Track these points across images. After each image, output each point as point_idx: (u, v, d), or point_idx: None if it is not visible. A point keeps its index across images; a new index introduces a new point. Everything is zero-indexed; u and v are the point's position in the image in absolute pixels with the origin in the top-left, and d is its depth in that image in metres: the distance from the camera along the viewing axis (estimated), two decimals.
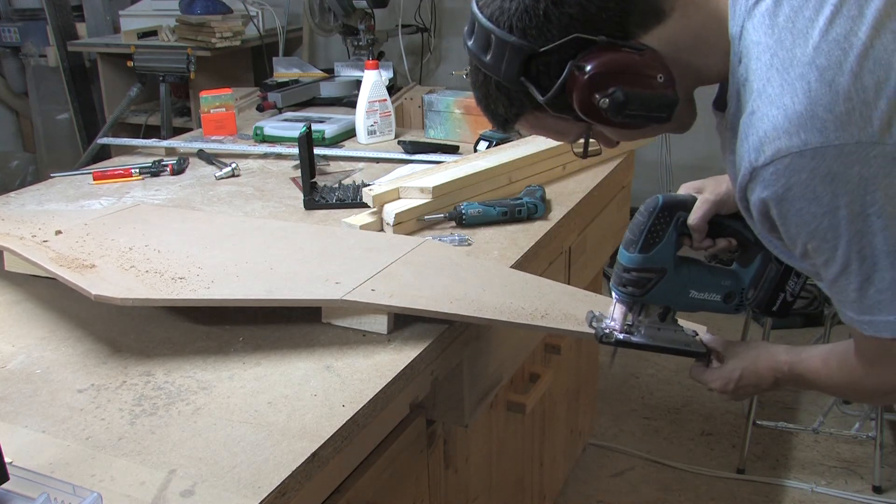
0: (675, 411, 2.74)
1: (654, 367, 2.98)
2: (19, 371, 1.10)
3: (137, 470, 0.88)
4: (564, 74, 0.88)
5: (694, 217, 1.06)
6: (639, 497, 2.35)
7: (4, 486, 0.78)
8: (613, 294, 1.11)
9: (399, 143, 2.09)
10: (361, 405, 1.00)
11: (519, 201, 1.57)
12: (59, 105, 4.18)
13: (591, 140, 1.00)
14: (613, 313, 1.13)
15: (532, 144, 1.78)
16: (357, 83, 2.33)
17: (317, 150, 1.79)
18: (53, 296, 1.33)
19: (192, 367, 1.10)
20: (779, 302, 1.11)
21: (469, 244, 1.47)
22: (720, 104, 0.96)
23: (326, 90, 2.62)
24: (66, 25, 3.90)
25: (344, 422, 0.96)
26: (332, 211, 1.65)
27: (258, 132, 2.17)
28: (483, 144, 1.94)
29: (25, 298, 1.33)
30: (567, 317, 1.19)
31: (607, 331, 1.13)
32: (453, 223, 1.55)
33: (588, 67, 0.87)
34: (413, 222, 1.52)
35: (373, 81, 2.14)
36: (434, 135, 2.17)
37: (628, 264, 1.06)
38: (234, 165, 1.93)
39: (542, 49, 0.88)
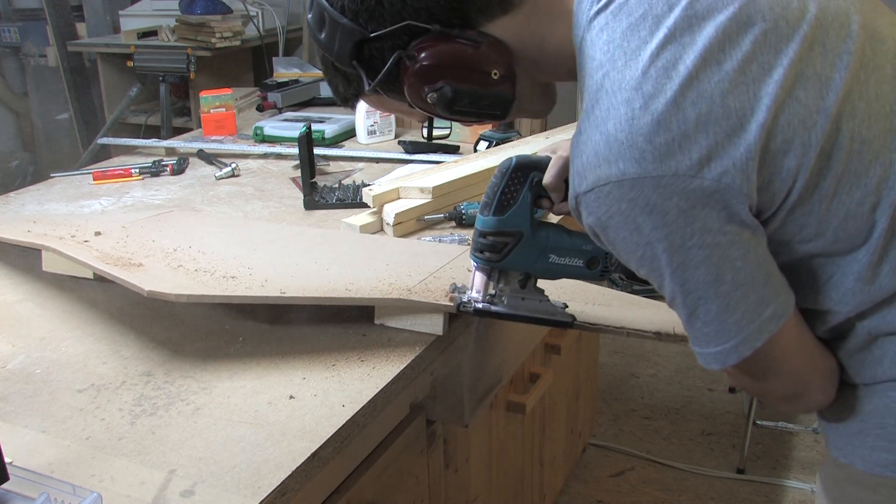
0: (675, 411, 2.74)
1: (654, 367, 2.98)
2: (19, 371, 1.10)
3: (137, 470, 0.88)
4: (390, 63, 0.85)
5: (549, 175, 1.01)
6: (639, 497, 2.35)
7: (4, 486, 0.78)
8: (472, 262, 1.08)
9: (399, 143, 2.09)
10: (361, 405, 1.00)
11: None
12: (59, 105, 4.17)
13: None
14: (473, 282, 1.10)
15: (532, 144, 1.78)
16: None
17: (317, 150, 1.79)
18: (54, 296, 1.33)
19: (192, 367, 1.10)
20: None
21: (469, 244, 1.47)
22: None
23: (326, 90, 2.61)
24: (66, 25, 3.90)
25: (344, 422, 0.96)
26: (332, 211, 1.65)
27: (258, 132, 2.17)
28: (483, 144, 1.94)
29: (25, 298, 1.33)
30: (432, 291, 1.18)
31: (466, 300, 1.11)
32: (453, 223, 1.55)
33: (417, 58, 0.84)
34: (413, 222, 1.52)
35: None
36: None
37: (483, 228, 1.03)
38: (234, 165, 1.93)
39: (373, 34, 0.84)
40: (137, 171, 1.92)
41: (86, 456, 0.91)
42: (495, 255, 1.04)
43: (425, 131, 1.05)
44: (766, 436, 2.57)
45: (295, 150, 1.87)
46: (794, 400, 0.88)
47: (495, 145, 1.88)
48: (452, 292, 1.13)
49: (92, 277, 1.34)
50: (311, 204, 1.67)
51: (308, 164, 1.66)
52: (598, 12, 0.79)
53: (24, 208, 1.72)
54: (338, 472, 0.99)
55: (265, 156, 2.09)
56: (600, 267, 1.08)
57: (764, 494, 2.34)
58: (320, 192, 1.70)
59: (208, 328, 1.21)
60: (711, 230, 0.74)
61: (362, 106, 2.14)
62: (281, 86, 2.59)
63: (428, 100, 0.86)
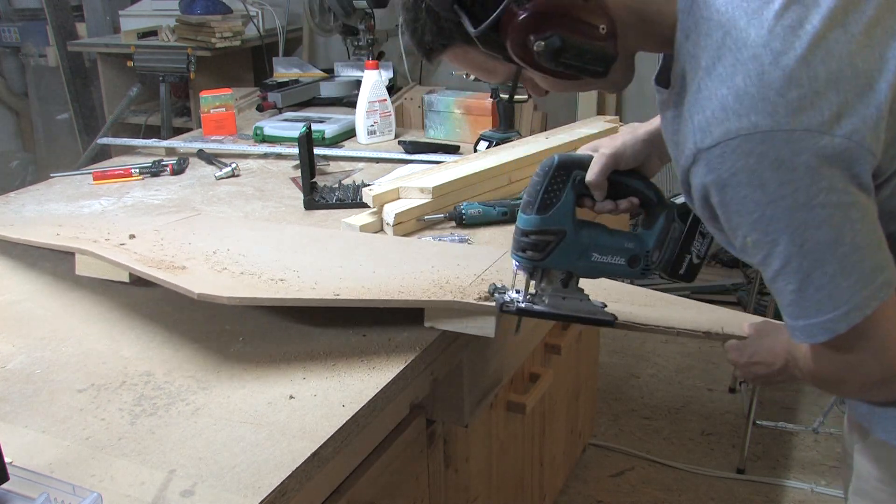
0: (675, 411, 2.74)
1: (654, 367, 2.98)
2: (19, 371, 1.10)
3: (137, 470, 0.88)
4: (501, 9, 0.83)
5: (591, 173, 1.01)
6: (639, 497, 2.35)
7: (4, 486, 0.78)
8: (513, 261, 1.07)
9: (399, 143, 2.09)
10: (361, 405, 1.00)
11: (519, 201, 1.57)
12: (59, 105, 4.17)
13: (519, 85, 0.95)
14: (515, 282, 1.10)
15: (532, 144, 1.78)
16: (357, 83, 2.33)
17: (317, 150, 1.79)
18: (54, 296, 1.33)
19: (192, 367, 1.10)
20: (685, 264, 1.07)
21: (469, 244, 1.47)
22: (663, 81, 0.92)
23: (326, 90, 2.62)
24: (66, 25, 3.90)
25: (344, 422, 0.96)
26: (332, 211, 1.65)
27: (258, 132, 2.18)
28: (483, 144, 1.94)
29: (25, 298, 1.33)
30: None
31: (508, 300, 1.10)
32: (453, 223, 1.55)
33: (527, 5, 0.82)
34: (413, 222, 1.52)
35: (373, 81, 2.14)
36: (434, 135, 2.17)
37: (526, 227, 1.03)
38: (234, 165, 1.93)
39: None
40: (137, 171, 1.92)
41: (86, 456, 0.91)
42: (538, 253, 1.04)
43: (505, 93, 1.02)
44: (766, 436, 2.57)
45: (295, 150, 1.87)
46: (884, 387, 0.85)
47: (495, 145, 1.88)
48: (492, 293, 1.13)
49: (127, 281, 1.33)
50: (311, 204, 1.67)
51: (308, 164, 1.66)
52: None
53: (24, 208, 1.72)
54: (338, 472, 0.99)
55: (265, 156, 2.09)
56: (641, 265, 1.08)
57: (764, 494, 2.34)
58: (320, 192, 1.70)
59: (208, 328, 1.21)
60: (836, 189, 0.74)
61: (362, 106, 2.14)
62: (281, 86, 2.59)
63: (535, 48, 0.83)
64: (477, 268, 1.27)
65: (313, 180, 1.68)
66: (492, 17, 0.83)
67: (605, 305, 1.14)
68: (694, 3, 0.81)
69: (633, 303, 1.25)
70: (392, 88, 2.42)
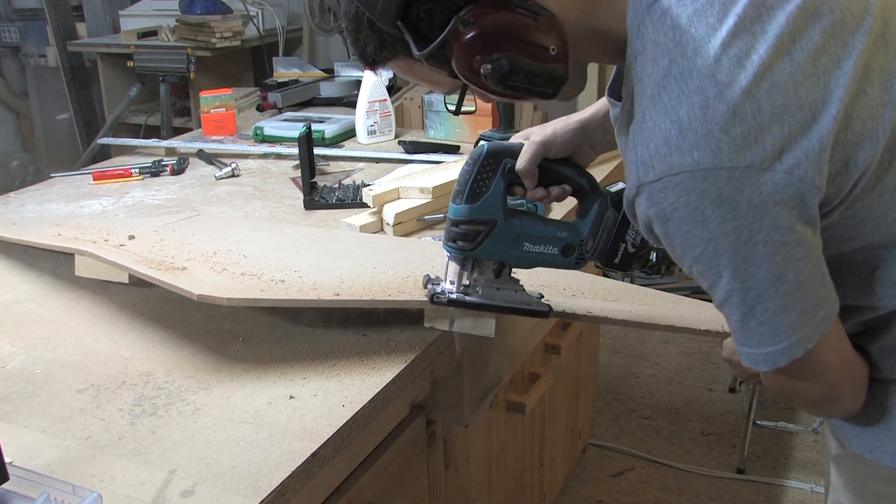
0: (675, 411, 2.74)
1: (654, 367, 2.98)
2: (19, 371, 1.10)
3: (137, 470, 0.88)
4: (446, 32, 0.79)
5: (521, 161, 0.99)
6: (639, 497, 2.35)
7: (4, 486, 0.78)
8: (445, 252, 1.06)
9: (399, 143, 2.09)
10: (361, 405, 1.00)
11: (518, 201, 1.57)
12: (59, 105, 4.17)
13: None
14: (448, 273, 1.08)
15: None
16: (357, 83, 2.33)
17: (317, 150, 1.79)
18: (54, 296, 1.33)
19: (192, 367, 1.10)
20: (620, 253, 1.05)
21: None
22: (616, 93, 0.90)
23: (326, 90, 2.62)
24: (66, 25, 3.90)
25: (344, 422, 0.96)
26: (332, 211, 1.65)
27: (258, 132, 2.17)
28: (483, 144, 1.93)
29: (25, 298, 1.33)
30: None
31: (440, 291, 1.09)
32: None
33: (473, 25, 0.78)
34: (413, 222, 1.52)
35: (373, 81, 2.14)
36: (434, 135, 2.17)
37: (456, 217, 1.02)
38: (234, 165, 1.93)
39: None
40: (137, 171, 1.92)
41: (86, 456, 0.91)
42: (468, 243, 1.03)
43: (451, 105, 0.98)
44: (766, 436, 2.57)
45: (295, 150, 1.87)
46: (825, 405, 0.87)
47: None
48: (426, 284, 1.11)
49: (127, 282, 1.33)
50: (311, 204, 1.67)
51: (308, 164, 1.66)
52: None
53: (24, 208, 1.72)
54: (338, 472, 0.99)
55: (265, 156, 2.09)
56: (575, 254, 1.06)
57: (764, 494, 2.34)
58: (320, 192, 1.70)
59: (208, 328, 1.21)
60: (780, 228, 0.73)
61: (362, 106, 2.14)
62: (281, 86, 2.59)
63: (481, 71, 0.80)
64: None
65: (313, 180, 1.68)
66: (436, 42, 0.80)
67: (542, 296, 1.13)
68: (642, 25, 0.78)
69: (633, 301, 1.25)
70: (392, 88, 2.42)
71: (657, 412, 2.74)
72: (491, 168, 1.00)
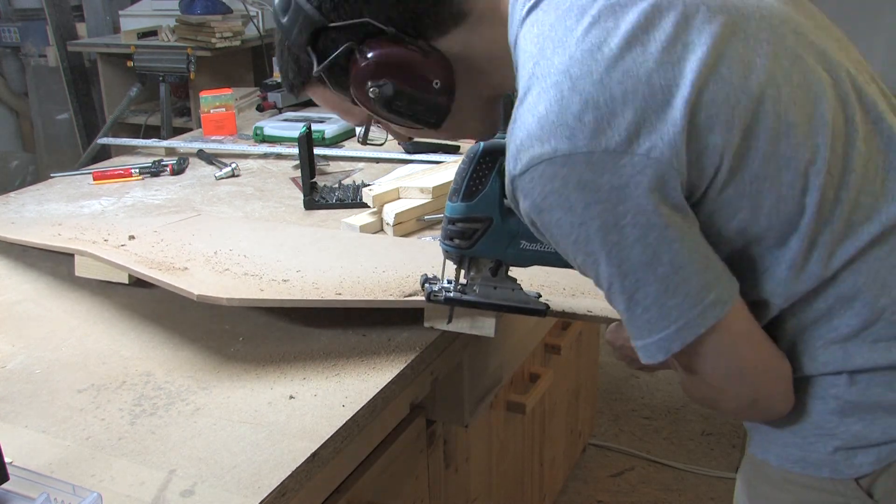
0: (675, 411, 2.74)
1: None
2: (19, 371, 1.10)
3: (137, 470, 0.88)
4: (340, 50, 0.89)
5: None
6: (639, 497, 2.35)
7: (4, 486, 0.78)
8: (442, 250, 1.06)
9: (399, 142, 2.09)
10: (361, 405, 1.00)
11: None
12: (59, 105, 4.17)
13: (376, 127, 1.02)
14: (445, 272, 1.09)
15: None
16: None
17: (317, 150, 1.79)
18: (54, 296, 1.33)
19: (192, 367, 1.10)
20: None
21: None
22: None
23: None
24: (66, 25, 3.90)
25: (344, 422, 0.96)
26: (332, 211, 1.65)
27: (258, 132, 2.17)
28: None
29: (25, 298, 1.33)
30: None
31: (437, 289, 1.09)
32: None
33: (368, 54, 0.88)
34: (413, 222, 1.52)
35: None
36: None
37: (452, 214, 1.02)
38: (234, 165, 1.93)
39: (332, 24, 0.88)
40: (137, 171, 1.92)
41: (86, 456, 0.91)
42: (465, 241, 1.03)
43: (360, 134, 1.09)
44: None
45: (295, 150, 1.86)
46: (753, 407, 0.85)
47: None
48: (423, 283, 1.11)
49: (126, 282, 1.33)
50: (311, 204, 1.67)
51: (308, 164, 1.66)
52: (530, 10, 0.83)
53: (24, 208, 1.72)
54: (338, 472, 0.99)
55: (265, 156, 2.09)
56: None
57: None
58: (320, 192, 1.70)
59: (208, 328, 1.21)
60: (645, 210, 0.74)
61: None
62: (281, 86, 2.59)
63: (370, 94, 0.89)
64: None
65: (313, 180, 1.68)
66: (328, 59, 0.89)
67: (540, 295, 1.13)
68: (517, 38, 0.84)
69: None
70: None
71: (657, 412, 2.74)
72: (487, 166, 1.00)
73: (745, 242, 0.80)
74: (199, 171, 1.98)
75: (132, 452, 0.91)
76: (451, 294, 1.09)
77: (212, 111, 2.25)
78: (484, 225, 1.02)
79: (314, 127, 2.05)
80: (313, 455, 0.91)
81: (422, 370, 1.14)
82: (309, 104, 2.56)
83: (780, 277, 0.80)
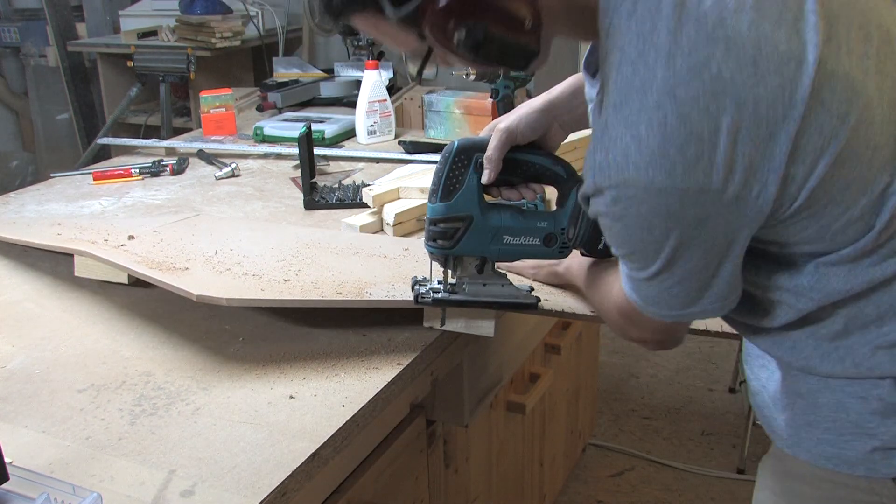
0: (675, 411, 2.74)
1: (654, 368, 2.98)
2: (19, 371, 1.10)
3: (137, 470, 0.88)
4: None
5: (488, 150, 0.99)
6: (639, 497, 2.35)
7: (4, 486, 0.78)
8: (427, 252, 1.06)
9: (399, 143, 2.09)
10: (361, 405, 1.00)
11: (519, 201, 1.57)
12: (59, 105, 4.17)
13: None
14: (432, 273, 1.09)
15: None
16: (357, 83, 2.33)
17: (317, 150, 1.79)
18: (54, 296, 1.33)
19: (192, 367, 1.10)
20: (602, 240, 1.04)
21: None
22: (591, 69, 0.89)
23: (326, 90, 2.61)
24: (66, 25, 3.90)
25: (344, 422, 0.96)
26: (332, 211, 1.65)
27: (258, 132, 2.17)
28: None
29: (25, 298, 1.33)
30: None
31: (425, 291, 1.09)
32: None
33: None
34: (413, 222, 1.52)
35: (373, 81, 2.13)
36: (434, 135, 2.17)
37: (433, 215, 1.02)
38: (234, 165, 1.93)
39: None
40: (137, 171, 1.92)
41: (86, 456, 0.91)
42: (448, 241, 1.03)
43: (411, 67, 1.00)
44: (766, 436, 2.57)
45: (295, 150, 1.86)
46: (659, 346, 0.96)
47: None
48: (413, 285, 1.11)
49: (126, 283, 1.33)
50: (311, 204, 1.67)
51: (308, 164, 1.66)
52: None
53: (24, 208, 1.72)
54: (338, 472, 0.99)
55: (265, 156, 2.09)
56: (558, 244, 1.06)
57: None
58: (320, 192, 1.70)
59: (208, 328, 1.21)
60: (717, 235, 0.75)
61: (362, 106, 2.14)
62: (281, 86, 2.59)
63: (454, 36, 0.78)
64: None
65: (313, 180, 1.68)
66: (412, 2, 0.78)
67: (532, 289, 1.13)
68: (611, 27, 0.76)
69: None
70: (392, 88, 2.42)
71: (657, 412, 2.74)
72: (462, 164, 1.00)
73: (800, 251, 0.80)
74: (199, 171, 1.98)
75: (132, 452, 0.91)
76: (440, 295, 1.09)
77: (212, 111, 2.25)
78: (465, 223, 1.02)
79: (314, 127, 2.05)
80: (313, 455, 0.91)
81: (422, 370, 1.14)
82: (309, 104, 2.56)
83: (825, 274, 0.80)
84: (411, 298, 1.13)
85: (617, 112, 0.74)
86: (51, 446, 0.93)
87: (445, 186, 1.00)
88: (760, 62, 0.69)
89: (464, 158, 1.00)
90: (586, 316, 1.18)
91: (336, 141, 2.17)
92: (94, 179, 1.89)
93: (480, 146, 1.00)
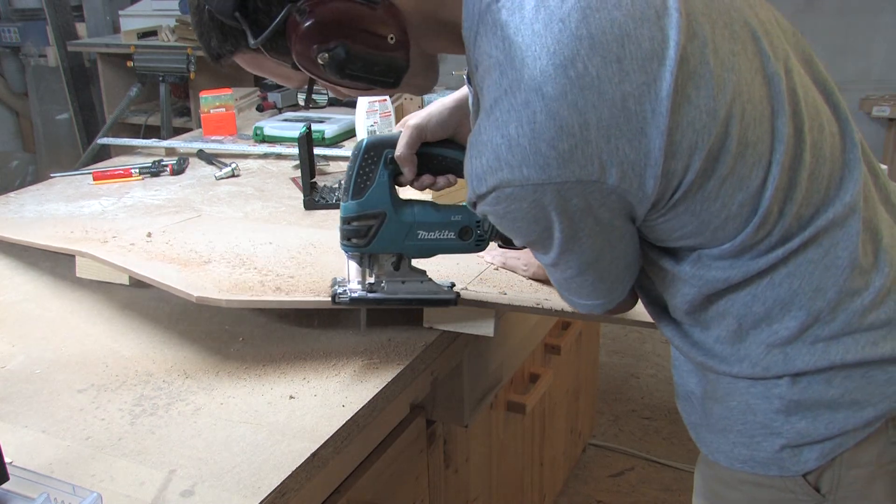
0: (675, 411, 2.73)
1: (654, 368, 2.98)
2: (19, 371, 1.10)
3: (137, 470, 0.88)
4: (280, 17, 0.79)
5: (398, 148, 0.98)
6: (639, 497, 2.35)
7: (4, 486, 0.78)
8: (343, 252, 1.06)
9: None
10: (361, 405, 1.00)
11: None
12: (59, 105, 4.18)
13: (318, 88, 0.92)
14: (350, 273, 1.08)
15: None
16: None
17: (317, 150, 1.79)
18: (54, 296, 1.33)
19: (192, 367, 1.10)
20: None
21: None
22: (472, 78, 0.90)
23: None
24: (66, 25, 3.90)
25: (344, 422, 0.96)
26: (332, 211, 1.65)
27: (258, 132, 2.17)
28: None
29: (25, 298, 1.33)
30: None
31: (341, 291, 1.09)
32: None
33: (309, 14, 0.78)
34: None
35: None
36: None
37: (345, 214, 1.02)
38: (233, 165, 1.93)
39: None
40: (137, 171, 1.92)
41: (86, 456, 0.91)
42: (362, 240, 1.02)
43: (301, 98, 1.02)
44: None
45: (295, 150, 1.86)
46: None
47: None
48: (332, 286, 1.11)
49: (127, 283, 1.33)
50: (311, 204, 1.67)
51: (308, 164, 1.66)
52: (490, 2, 0.75)
53: (24, 208, 1.71)
54: (338, 472, 0.99)
55: (265, 156, 2.09)
56: (474, 237, 1.05)
57: None
58: (320, 192, 1.70)
59: (208, 328, 1.21)
60: (603, 222, 0.76)
61: (363, 105, 2.14)
62: (281, 86, 2.59)
63: (318, 60, 0.80)
64: (478, 268, 1.27)
65: (313, 180, 1.68)
66: (269, 29, 0.80)
67: (454, 285, 1.12)
68: (477, 35, 0.77)
69: None
70: None
71: (657, 412, 2.74)
72: (372, 161, 1.00)
73: (684, 244, 0.82)
74: (199, 171, 1.98)
75: (132, 452, 0.91)
76: (356, 294, 1.08)
77: (212, 111, 2.25)
78: (378, 220, 1.02)
79: (314, 127, 2.05)
80: (313, 455, 0.91)
81: (422, 370, 1.14)
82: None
83: (707, 263, 0.81)
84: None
85: (488, 116, 0.74)
86: (51, 446, 0.93)
87: (356, 184, 1.00)
88: (624, 59, 0.70)
89: (373, 155, 0.99)
90: (586, 315, 1.18)
91: (336, 141, 2.17)
92: (94, 179, 1.89)
93: (390, 143, 1.00)
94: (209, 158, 2.03)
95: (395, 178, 1.02)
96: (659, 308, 0.92)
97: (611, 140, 0.70)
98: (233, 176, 1.92)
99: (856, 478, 0.83)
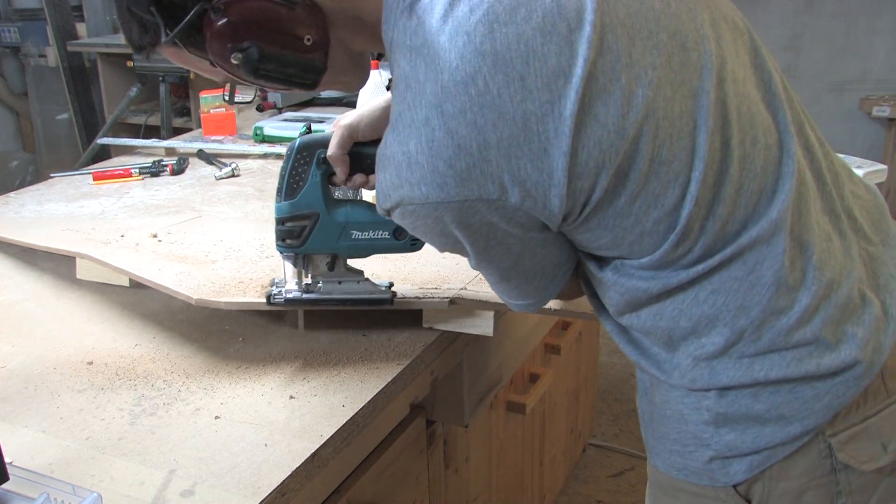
0: None
1: None
2: (19, 371, 1.10)
3: (137, 470, 0.88)
4: (191, 14, 0.77)
5: (329, 148, 0.98)
6: (639, 497, 2.35)
7: (4, 486, 0.78)
8: (278, 253, 1.06)
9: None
10: (361, 405, 1.00)
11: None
12: (59, 105, 4.18)
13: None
14: (286, 274, 1.09)
15: None
16: None
17: None
18: (54, 296, 1.33)
19: (192, 367, 1.10)
20: None
21: None
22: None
23: (327, 90, 2.61)
24: (65, 25, 3.90)
25: (344, 422, 0.96)
26: None
27: (258, 132, 2.17)
28: None
29: (25, 298, 1.33)
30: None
31: (276, 292, 1.09)
32: None
33: (224, 13, 0.77)
34: None
35: (373, 82, 2.13)
36: None
37: (279, 215, 1.01)
38: (233, 165, 1.93)
39: None
40: (137, 171, 1.92)
41: (86, 456, 0.91)
42: (296, 240, 1.02)
43: (224, 93, 1.01)
44: None
45: None
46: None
47: None
48: (270, 286, 1.11)
49: (128, 285, 1.33)
50: None
51: None
52: (409, 7, 0.74)
53: (24, 208, 1.71)
54: (338, 472, 0.99)
55: (265, 156, 2.09)
56: (409, 236, 1.04)
57: None
58: None
59: (208, 328, 1.21)
60: (512, 234, 0.76)
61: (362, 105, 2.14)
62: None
63: (232, 60, 0.79)
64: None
65: None
66: (180, 26, 0.78)
67: (392, 284, 1.12)
68: (392, 44, 0.76)
69: None
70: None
71: None
72: (305, 161, 1.00)
73: (604, 254, 0.82)
74: (199, 171, 1.97)
75: (132, 452, 0.91)
76: (291, 295, 1.08)
77: (212, 111, 2.24)
78: (311, 221, 1.02)
79: (314, 127, 2.05)
80: (313, 455, 0.91)
81: (422, 370, 1.14)
82: (309, 104, 2.56)
83: (635, 274, 0.81)
84: (411, 298, 1.12)
85: (393, 129, 0.74)
86: (51, 446, 0.93)
87: (289, 185, 1.00)
88: (528, 77, 0.68)
89: (306, 155, 1.00)
90: (586, 315, 1.18)
91: None
92: (94, 179, 1.89)
93: (322, 143, 1.00)
94: (209, 158, 2.03)
95: (329, 178, 1.02)
96: (599, 302, 0.90)
97: (512, 159, 0.69)
98: (233, 176, 1.91)
99: (785, 490, 0.83)
